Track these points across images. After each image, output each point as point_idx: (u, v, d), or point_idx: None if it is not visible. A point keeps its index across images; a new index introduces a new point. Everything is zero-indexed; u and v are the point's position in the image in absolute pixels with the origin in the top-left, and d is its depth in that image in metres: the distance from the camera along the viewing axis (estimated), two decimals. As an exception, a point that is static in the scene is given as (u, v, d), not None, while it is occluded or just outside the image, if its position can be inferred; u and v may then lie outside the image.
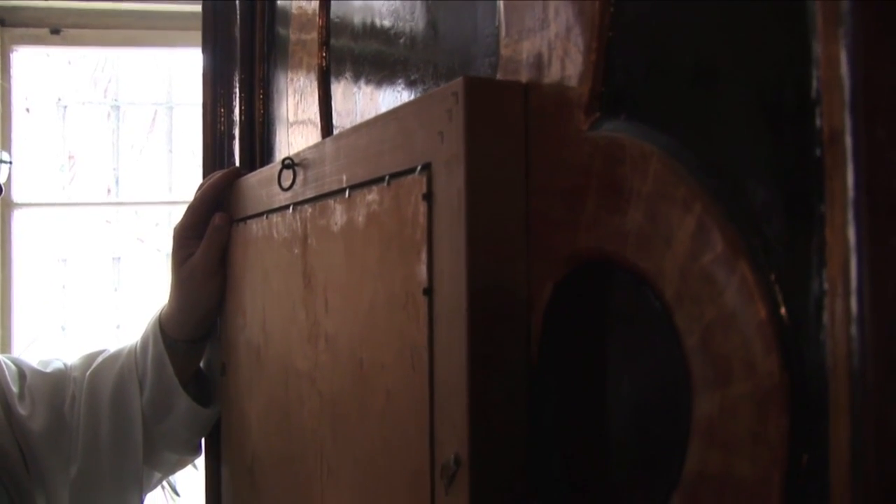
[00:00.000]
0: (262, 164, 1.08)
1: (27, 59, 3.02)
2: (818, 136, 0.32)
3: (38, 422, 1.01)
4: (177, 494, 2.44)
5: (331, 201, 0.64)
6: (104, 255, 2.97)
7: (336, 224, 0.63)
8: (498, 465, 0.46)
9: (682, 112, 0.41)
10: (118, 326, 2.91)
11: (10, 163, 1.21)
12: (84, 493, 1.02)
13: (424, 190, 0.50)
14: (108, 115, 3.18)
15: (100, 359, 1.07)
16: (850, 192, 0.30)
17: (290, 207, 0.73)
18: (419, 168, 0.51)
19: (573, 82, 0.47)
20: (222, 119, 1.20)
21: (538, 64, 0.50)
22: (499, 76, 0.54)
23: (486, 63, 0.56)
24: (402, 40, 0.70)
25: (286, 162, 0.72)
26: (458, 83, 0.47)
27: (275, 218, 0.78)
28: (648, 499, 0.42)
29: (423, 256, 0.50)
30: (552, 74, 0.48)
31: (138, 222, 2.96)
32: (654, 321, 0.41)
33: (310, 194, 0.68)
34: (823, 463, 0.32)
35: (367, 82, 0.77)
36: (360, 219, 0.59)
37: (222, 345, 1.01)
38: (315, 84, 0.89)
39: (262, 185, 0.83)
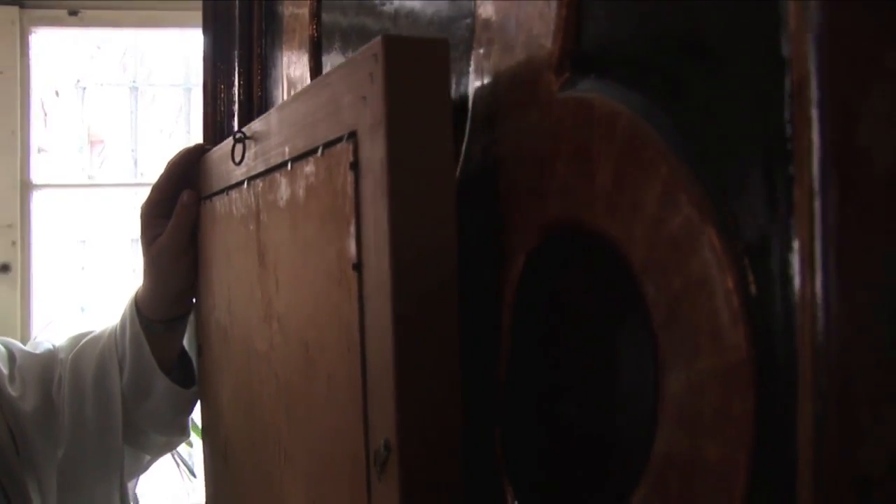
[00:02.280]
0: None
1: (46, 41, 3.01)
2: (789, 94, 0.30)
3: (30, 403, 1.00)
4: (193, 476, 2.44)
5: (277, 175, 0.61)
6: (123, 236, 2.97)
7: (282, 199, 0.60)
8: (430, 451, 0.44)
9: (653, 70, 0.38)
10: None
11: None
12: (70, 476, 1.00)
13: (351, 159, 0.47)
14: (129, 96, 3.18)
15: (84, 340, 1.05)
16: (815, 144, 0.27)
17: (245, 183, 0.70)
18: (346, 136, 0.48)
19: (544, 41, 0.44)
20: (222, 98, 1.18)
21: (510, 23, 0.47)
22: (475, 38, 0.51)
23: (463, 26, 0.54)
24: (386, 10, 0.67)
25: (237, 135, 0.70)
26: (377, 43, 0.44)
27: (234, 194, 0.75)
28: (625, 483, 0.40)
29: (352, 229, 0.47)
30: (524, 33, 0.46)
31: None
32: (625, 293, 0.38)
33: (260, 168, 0.66)
34: (791, 445, 0.29)
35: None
36: (301, 192, 0.56)
37: (197, 325, 0.99)
38: (307, 57, 0.87)
39: (222, 161, 0.81)
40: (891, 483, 0.26)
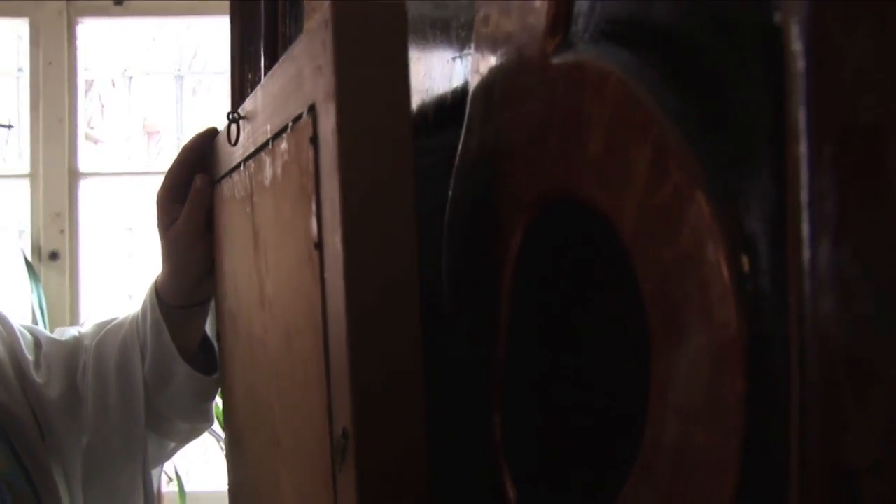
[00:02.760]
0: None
1: (92, 31, 3.03)
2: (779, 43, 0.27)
3: (55, 390, 1.00)
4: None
5: (262, 154, 0.59)
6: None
7: (267, 178, 0.58)
8: (389, 440, 0.41)
9: (644, 26, 0.35)
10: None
11: (11, 126, 1.21)
12: (95, 463, 1.00)
13: (311, 133, 0.45)
14: (175, 85, 3.19)
15: (107, 327, 1.05)
16: (802, 97, 0.24)
17: (241, 164, 0.68)
18: (307, 109, 0.46)
19: (537, 2, 0.41)
20: (250, 85, 1.17)
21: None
22: (475, 6, 0.49)
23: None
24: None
25: (230, 116, 0.68)
26: (326, 7, 0.41)
27: (235, 177, 0.73)
28: (621, 471, 0.37)
29: (314, 207, 0.45)
30: (519, -6, 0.43)
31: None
32: (619, 268, 0.36)
33: (251, 149, 0.63)
34: (783, 433, 0.26)
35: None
36: (279, 171, 0.54)
37: (216, 311, 0.97)
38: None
39: (225, 143, 0.79)
40: (877, 472, 0.23)
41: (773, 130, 0.27)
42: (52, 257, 2.79)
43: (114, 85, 4.07)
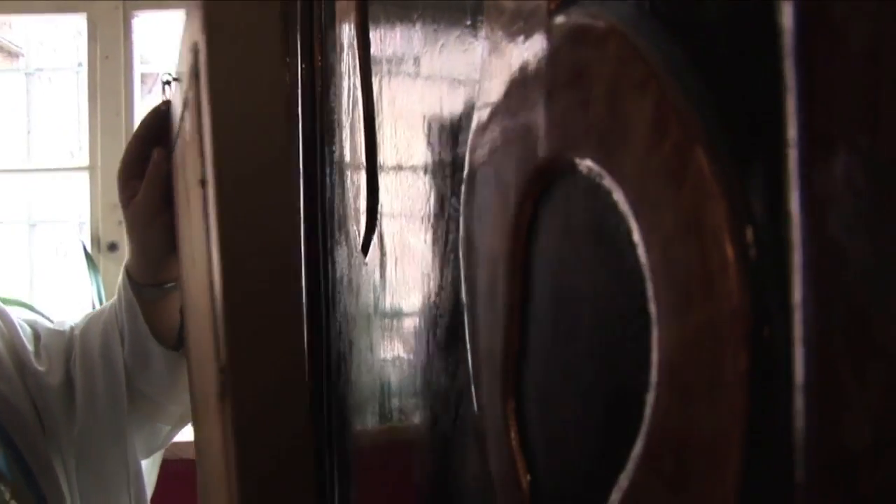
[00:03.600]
0: (322, 122, 1.02)
1: (148, 24, 3.06)
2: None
3: (55, 377, 1.00)
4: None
5: (185, 111, 0.58)
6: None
7: (186, 132, 0.57)
8: (266, 378, 0.39)
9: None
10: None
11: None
12: (85, 451, 1.00)
13: (194, 67, 0.44)
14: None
15: (92, 314, 1.05)
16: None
17: (178, 128, 0.67)
18: (192, 50, 0.45)
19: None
20: (288, 77, 1.15)
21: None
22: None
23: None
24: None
25: (164, 79, 0.66)
26: None
27: (179, 142, 0.71)
28: (620, 458, 0.34)
29: (199, 143, 0.43)
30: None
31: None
32: (616, 241, 0.33)
33: (180, 109, 0.62)
34: (787, 414, 0.24)
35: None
36: (187, 119, 0.53)
37: (180, 285, 0.96)
38: (354, 13, 0.83)
39: (173, 112, 0.77)
40: (877, 454, 0.20)
41: (778, 89, 0.24)
42: (110, 248, 2.82)
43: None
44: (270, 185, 0.39)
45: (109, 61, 2.92)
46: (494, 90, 0.44)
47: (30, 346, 1.01)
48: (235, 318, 0.39)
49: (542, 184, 0.39)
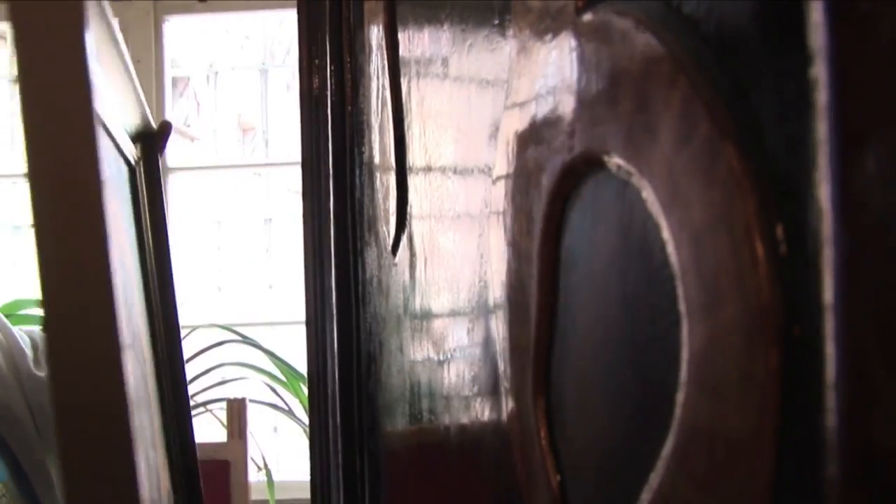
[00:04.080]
0: (352, 123, 1.03)
1: (178, 28, 3.08)
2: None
3: None
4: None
5: None
6: (256, 216, 3.02)
7: None
8: (77, 315, 0.40)
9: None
10: (270, 286, 2.96)
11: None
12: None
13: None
14: (260, 79, 3.23)
15: None
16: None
17: None
18: None
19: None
20: (317, 72, 1.15)
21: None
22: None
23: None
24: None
25: None
26: None
27: None
28: (646, 457, 0.34)
29: None
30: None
31: (290, 181, 2.98)
32: (645, 238, 0.33)
33: None
34: (819, 412, 0.23)
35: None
36: None
37: None
38: (383, 14, 0.83)
39: None
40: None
41: (809, 83, 0.24)
42: (143, 251, 2.85)
43: (208, 82, 4.14)
44: (77, 184, 0.41)
45: (141, 65, 2.94)
46: (523, 89, 0.44)
47: (29, 353, 1.04)
48: (49, 278, 0.41)
49: (572, 182, 0.39)
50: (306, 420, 2.46)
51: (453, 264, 0.62)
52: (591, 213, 0.38)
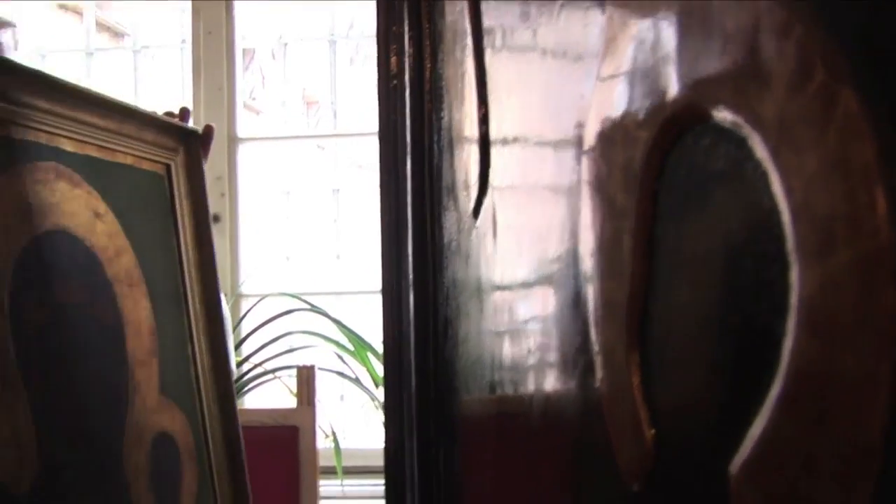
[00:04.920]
0: (431, 88, 1.03)
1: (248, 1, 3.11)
2: None
3: None
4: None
5: None
6: (325, 187, 3.05)
7: None
8: None
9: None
10: (338, 257, 2.99)
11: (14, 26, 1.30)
12: None
13: None
14: (329, 49, 3.23)
15: None
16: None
17: None
18: None
19: None
20: (394, 53, 1.16)
21: None
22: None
23: None
24: None
25: None
26: None
27: None
28: (748, 406, 0.34)
29: None
30: None
31: (356, 153, 3.01)
32: (752, 186, 0.33)
33: None
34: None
35: None
36: None
37: None
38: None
39: None
40: None
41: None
42: (213, 220, 2.89)
43: (273, 56, 4.18)
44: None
45: (212, 37, 2.98)
46: (620, 44, 0.44)
47: None
48: None
49: (672, 135, 0.39)
50: (373, 389, 2.49)
51: (538, 225, 0.63)
52: (691, 165, 0.39)
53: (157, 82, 3.29)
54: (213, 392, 1.25)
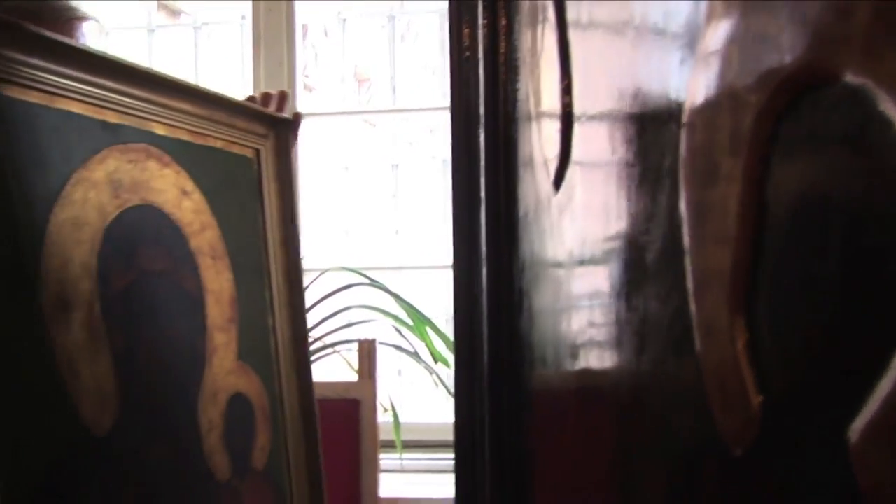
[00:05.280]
0: (507, 58, 1.03)
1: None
2: None
3: None
4: (451, 395, 2.50)
5: None
6: (384, 162, 3.06)
7: None
8: None
9: None
10: (396, 231, 3.00)
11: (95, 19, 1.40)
12: None
13: None
14: (388, 25, 3.23)
15: None
16: None
17: None
18: None
19: None
20: (468, 35, 1.15)
21: None
22: None
23: None
24: None
25: None
26: None
27: None
28: (872, 368, 0.34)
29: None
30: None
31: (411, 129, 3.01)
32: (879, 148, 0.32)
33: None
34: None
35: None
36: None
37: None
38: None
39: None
40: None
41: None
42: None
43: (326, 34, 4.19)
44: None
45: (272, 13, 3.00)
46: (727, 10, 0.44)
47: None
48: None
49: (785, 98, 0.39)
50: (432, 363, 2.50)
51: (626, 192, 0.63)
52: (809, 128, 0.38)
53: (217, 59, 3.32)
54: (290, 360, 1.32)
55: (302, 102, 3.01)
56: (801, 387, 0.40)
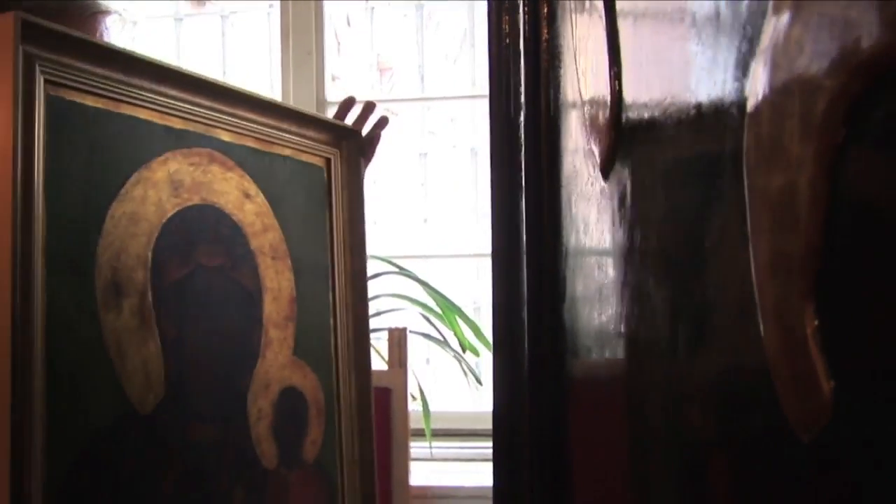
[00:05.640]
0: (550, 48, 1.02)
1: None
2: None
3: None
4: (480, 384, 2.51)
5: None
6: (410, 151, 3.06)
7: None
8: None
9: None
10: (425, 220, 3.00)
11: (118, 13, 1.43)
12: None
13: None
14: (415, 14, 3.23)
15: None
16: None
17: None
18: None
19: None
20: (507, 24, 1.15)
21: None
22: None
23: None
24: None
25: None
26: None
27: None
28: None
29: None
30: None
31: (433, 118, 3.00)
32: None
33: None
34: None
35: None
36: None
37: None
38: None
39: None
40: None
41: None
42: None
43: (349, 23, 4.19)
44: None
45: (300, 1, 3.00)
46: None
47: None
48: None
49: (863, 82, 0.39)
50: (460, 351, 2.50)
51: (678, 178, 0.62)
52: (886, 113, 0.38)
53: (245, 48, 3.32)
54: (351, 360, 1.37)
55: (329, 88, 3.02)
56: (871, 374, 0.40)
